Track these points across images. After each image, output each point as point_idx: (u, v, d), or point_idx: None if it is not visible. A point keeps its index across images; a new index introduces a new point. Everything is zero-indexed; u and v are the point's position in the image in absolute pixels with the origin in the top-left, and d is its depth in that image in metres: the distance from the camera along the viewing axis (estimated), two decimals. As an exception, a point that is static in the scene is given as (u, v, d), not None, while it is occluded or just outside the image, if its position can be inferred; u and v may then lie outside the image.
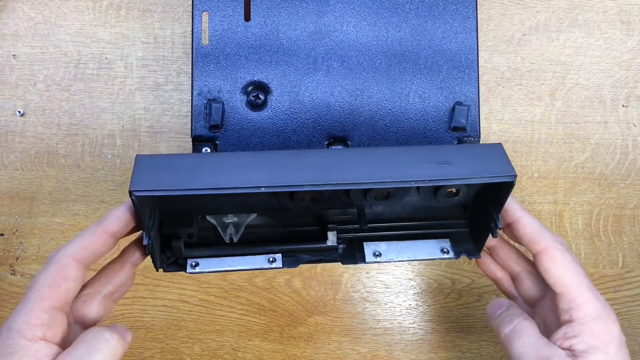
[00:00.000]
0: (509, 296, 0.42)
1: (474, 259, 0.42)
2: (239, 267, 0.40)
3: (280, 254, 0.40)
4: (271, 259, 0.40)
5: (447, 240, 0.41)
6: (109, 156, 0.50)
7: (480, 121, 0.45)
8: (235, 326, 0.51)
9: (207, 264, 0.39)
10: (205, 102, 0.40)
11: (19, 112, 0.50)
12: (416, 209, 0.43)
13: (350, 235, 0.42)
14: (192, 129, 0.40)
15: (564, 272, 0.36)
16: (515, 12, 0.52)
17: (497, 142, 0.37)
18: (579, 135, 0.53)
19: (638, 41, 0.53)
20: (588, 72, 0.53)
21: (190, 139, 0.41)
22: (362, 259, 0.40)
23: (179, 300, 0.51)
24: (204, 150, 0.40)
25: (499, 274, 0.42)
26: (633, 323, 0.54)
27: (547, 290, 0.39)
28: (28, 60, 0.50)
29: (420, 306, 0.53)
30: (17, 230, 0.50)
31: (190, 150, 0.42)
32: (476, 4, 0.42)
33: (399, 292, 0.53)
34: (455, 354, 0.53)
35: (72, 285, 0.32)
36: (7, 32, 0.50)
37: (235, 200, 0.40)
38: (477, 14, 0.42)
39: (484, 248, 0.41)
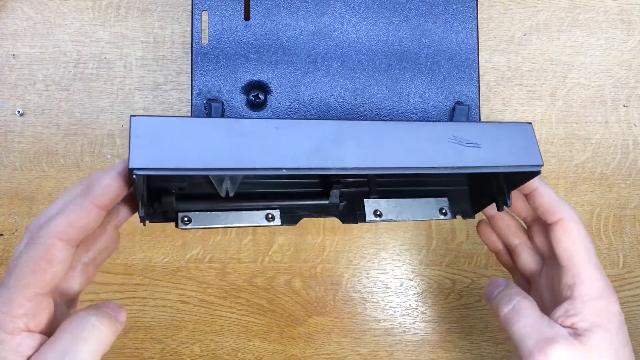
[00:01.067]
0: (509, 269, 0.42)
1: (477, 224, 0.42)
2: (235, 224, 0.37)
3: (278, 210, 0.38)
4: (270, 216, 0.38)
5: (445, 199, 0.41)
6: (108, 156, 0.50)
7: (481, 121, 0.45)
8: (235, 327, 0.51)
9: (201, 220, 0.36)
10: (204, 101, 0.40)
11: (18, 112, 0.50)
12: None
13: (351, 189, 0.41)
14: (191, 128, 0.40)
15: (575, 246, 0.35)
16: (515, 11, 0.52)
17: (527, 121, 0.36)
18: (580, 135, 0.53)
19: (639, 41, 0.53)
20: (589, 72, 0.53)
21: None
22: (362, 218, 0.40)
23: (178, 301, 0.51)
24: (213, 107, 0.37)
25: (500, 245, 0.42)
26: (634, 323, 0.53)
27: (543, 264, 0.39)
28: (27, 60, 0.50)
29: (420, 306, 0.53)
30: (16, 230, 0.50)
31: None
32: (477, 3, 0.42)
33: (399, 292, 0.52)
34: (456, 355, 0.53)
35: (59, 268, 0.28)
36: (6, 31, 0.50)
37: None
38: (477, 13, 0.42)
39: (485, 218, 0.42)
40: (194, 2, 0.40)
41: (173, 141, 0.29)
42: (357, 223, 0.40)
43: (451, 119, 0.41)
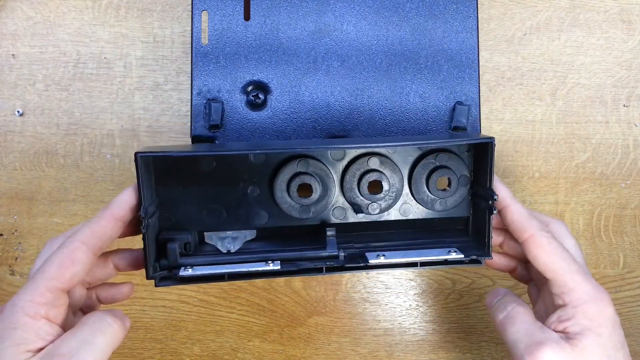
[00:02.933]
0: (524, 281, 0.42)
1: (484, 262, 0.40)
2: (235, 270, 0.37)
3: (279, 262, 0.38)
4: (270, 263, 0.38)
5: (455, 248, 0.39)
6: (108, 156, 0.50)
7: (481, 121, 0.45)
8: (235, 327, 0.51)
9: (201, 269, 0.37)
10: (204, 101, 0.40)
11: (18, 111, 0.50)
12: (417, 231, 0.42)
13: (352, 249, 0.40)
14: (191, 128, 0.40)
15: (551, 258, 0.36)
16: (516, 11, 0.52)
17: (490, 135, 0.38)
18: (580, 135, 0.53)
19: (639, 41, 0.53)
20: (589, 72, 0.53)
21: (190, 139, 0.41)
22: (365, 261, 0.38)
23: (178, 301, 0.51)
24: (213, 106, 0.40)
25: (511, 263, 0.42)
26: (634, 323, 0.53)
27: None
28: (27, 59, 0.50)
29: (420, 307, 0.53)
30: (16, 230, 0.50)
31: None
32: (477, 3, 0.42)
33: (400, 292, 0.52)
34: (456, 355, 0.53)
35: (79, 269, 0.32)
36: (6, 31, 0.50)
37: (237, 212, 0.39)
38: (477, 13, 0.42)
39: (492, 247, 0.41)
40: (194, 2, 0.40)
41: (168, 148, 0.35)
42: (359, 265, 0.38)
43: (451, 118, 0.41)
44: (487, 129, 0.52)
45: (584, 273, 0.36)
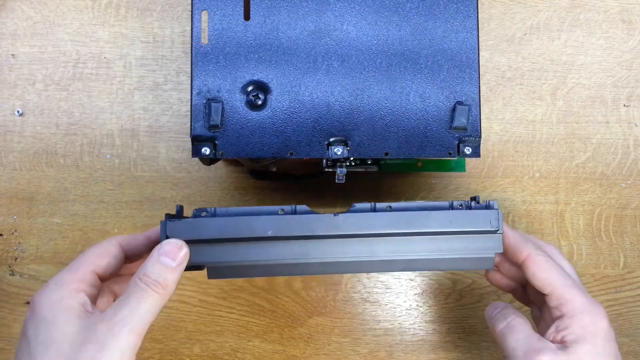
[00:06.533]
0: (526, 303, 0.43)
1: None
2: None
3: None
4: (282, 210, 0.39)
5: None
6: (108, 156, 0.50)
7: (481, 121, 0.45)
8: (235, 327, 0.51)
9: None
10: (204, 101, 0.40)
11: (18, 111, 0.50)
12: None
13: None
14: (191, 128, 0.40)
15: (549, 274, 0.37)
16: (516, 11, 0.52)
17: (493, 200, 0.39)
18: (580, 135, 0.53)
19: (639, 41, 0.53)
20: (589, 72, 0.53)
21: (190, 139, 0.41)
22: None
23: (178, 301, 0.51)
24: (213, 106, 0.39)
25: (512, 284, 0.43)
26: (634, 323, 0.53)
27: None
28: (27, 59, 0.50)
29: (420, 307, 0.53)
30: (15, 230, 0.50)
31: (190, 151, 0.41)
32: (477, 3, 0.42)
33: (400, 292, 0.52)
34: (456, 355, 0.53)
35: (112, 262, 0.36)
36: (5, 31, 0.50)
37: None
38: (477, 12, 0.42)
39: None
40: (193, 1, 0.40)
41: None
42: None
43: (451, 118, 0.41)
44: (487, 129, 0.52)
45: (580, 288, 0.37)
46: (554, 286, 0.37)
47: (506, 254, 0.40)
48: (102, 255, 0.36)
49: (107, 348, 0.31)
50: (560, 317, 0.37)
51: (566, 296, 0.37)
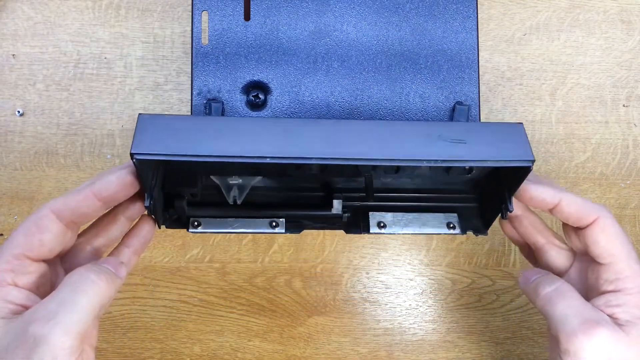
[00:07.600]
0: (534, 263, 0.41)
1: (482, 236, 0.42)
2: (241, 230, 0.40)
3: (283, 219, 0.40)
4: (274, 223, 0.40)
5: (455, 215, 0.41)
6: (108, 156, 0.50)
7: (481, 121, 0.45)
8: (235, 326, 0.51)
9: (209, 225, 0.40)
10: (204, 101, 0.40)
11: (18, 112, 0.50)
12: (425, 181, 0.42)
13: (357, 203, 0.42)
14: (191, 128, 0.40)
15: (613, 244, 0.35)
16: (515, 11, 0.52)
17: (518, 122, 0.36)
18: (580, 135, 0.53)
19: (639, 41, 0.53)
20: (589, 72, 0.53)
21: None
22: (367, 229, 0.40)
23: (178, 301, 0.51)
24: (213, 107, 0.39)
25: (520, 240, 0.41)
26: (634, 323, 0.53)
27: (573, 260, 0.38)
28: (27, 60, 0.50)
29: (420, 306, 0.53)
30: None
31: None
32: (476, 3, 0.42)
33: (399, 292, 0.52)
34: (455, 355, 0.53)
35: (47, 237, 0.31)
36: (6, 31, 0.50)
37: (240, 163, 0.39)
38: (477, 13, 0.42)
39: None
40: (194, 2, 0.40)
41: (170, 134, 0.32)
42: (360, 234, 0.40)
43: (451, 119, 0.41)
44: (487, 129, 0.52)
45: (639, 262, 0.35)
46: (616, 258, 0.34)
47: (569, 222, 0.37)
48: (29, 234, 0.31)
49: (35, 354, 0.27)
50: (613, 291, 0.34)
51: (626, 272, 0.34)
